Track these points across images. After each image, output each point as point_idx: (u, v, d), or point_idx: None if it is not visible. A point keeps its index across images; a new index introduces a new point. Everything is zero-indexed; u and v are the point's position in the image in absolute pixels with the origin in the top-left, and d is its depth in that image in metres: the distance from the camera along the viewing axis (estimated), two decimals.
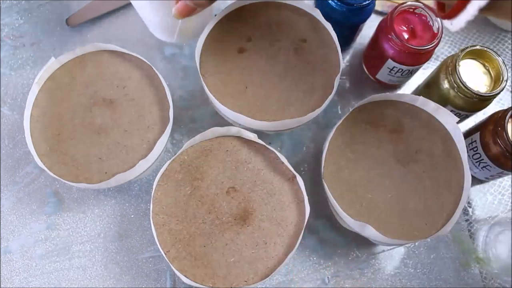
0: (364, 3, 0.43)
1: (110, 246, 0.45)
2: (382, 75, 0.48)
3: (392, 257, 0.45)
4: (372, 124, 0.41)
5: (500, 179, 0.49)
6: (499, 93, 0.41)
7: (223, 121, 0.46)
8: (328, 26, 0.43)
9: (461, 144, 0.40)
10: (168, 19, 0.44)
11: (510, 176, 0.47)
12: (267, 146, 0.41)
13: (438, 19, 0.43)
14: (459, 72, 0.41)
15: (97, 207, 0.46)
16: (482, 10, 0.21)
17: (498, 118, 0.40)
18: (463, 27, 0.22)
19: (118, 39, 0.52)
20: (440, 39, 0.42)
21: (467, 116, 0.45)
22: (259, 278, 0.37)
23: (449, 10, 0.21)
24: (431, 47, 0.42)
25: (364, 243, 0.45)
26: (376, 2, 0.48)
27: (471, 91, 0.40)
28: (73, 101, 0.43)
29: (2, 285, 0.43)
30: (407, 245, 0.46)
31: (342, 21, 0.45)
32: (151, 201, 0.39)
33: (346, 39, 0.50)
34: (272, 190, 0.40)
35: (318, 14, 0.44)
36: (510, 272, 0.44)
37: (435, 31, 0.43)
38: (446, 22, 0.22)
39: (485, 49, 0.42)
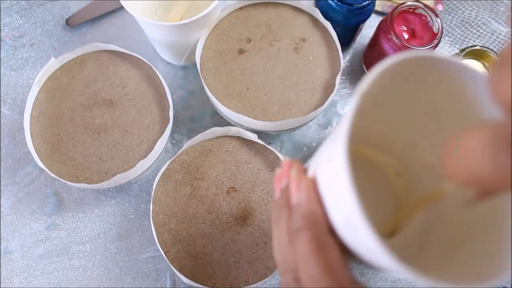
0: (364, 3, 0.43)
1: (110, 246, 0.45)
2: None
3: None
4: None
5: None
6: None
7: (223, 121, 0.46)
8: (328, 25, 0.43)
9: None
10: (177, 46, 0.45)
11: None
12: (267, 146, 0.41)
13: (438, 19, 0.43)
14: None
15: (97, 207, 0.46)
16: None
17: None
18: None
19: (118, 39, 0.52)
20: (440, 39, 0.42)
21: None
22: (259, 278, 0.37)
23: None
24: (431, 47, 0.42)
25: None
26: (376, 2, 0.48)
27: None
28: (73, 101, 0.43)
29: (2, 285, 0.43)
30: None
31: (342, 21, 0.45)
32: (151, 201, 0.39)
33: (346, 39, 0.50)
34: (272, 190, 0.40)
35: (317, 13, 0.44)
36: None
37: (435, 31, 0.43)
38: None
39: (485, 49, 0.42)
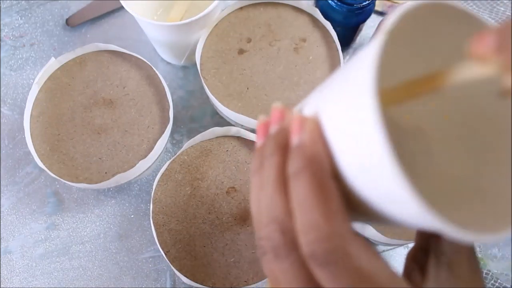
0: (364, 3, 0.43)
1: (110, 246, 0.45)
2: None
3: (392, 257, 0.45)
4: None
5: None
6: None
7: (223, 121, 0.46)
8: (328, 25, 0.43)
9: None
10: (177, 46, 0.45)
11: None
12: None
13: None
14: None
15: (97, 207, 0.46)
16: None
17: None
18: None
19: (118, 39, 0.52)
20: None
21: None
22: (259, 278, 0.37)
23: None
24: None
25: None
26: (376, 2, 0.48)
27: None
28: (73, 101, 0.43)
29: (2, 285, 0.43)
30: (407, 245, 0.46)
31: (342, 21, 0.45)
32: (151, 201, 0.39)
33: (346, 39, 0.50)
34: None
35: (317, 13, 0.44)
36: (510, 272, 0.44)
37: None
38: None
39: None
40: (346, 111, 0.17)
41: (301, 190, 0.18)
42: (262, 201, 0.20)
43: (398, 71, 0.22)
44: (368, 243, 0.18)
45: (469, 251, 0.22)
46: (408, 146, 0.25)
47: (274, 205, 0.19)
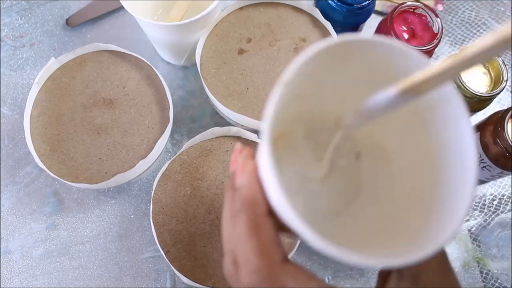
0: (364, 3, 0.43)
1: (110, 246, 0.45)
2: None
3: None
4: None
5: (500, 179, 0.49)
6: (499, 93, 0.41)
7: (223, 121, 0.46)
8: (328, 25, 0.43)
9: None
10: (177, 46, 0.45)
11: (510, 176, 0.47)
12: None
13: (438, 19, 0.43)
14: None
15: (97, 207, 0.46)
16: None
17: (498, 118, 0.40)
18: None
19: (118, 39, 0.52)
20: (440, 39, 0.42)
21: None
22: None
23: None
24: (431, 47, 0.42)
25: None
26: (376, 2, 0.48)
27: (471, 91, 0.40)
28: (73, 101, 0.43)
29: (2, 285, 0.43)
30: None
31: (342, 21, 0.45)
32: (151, 201, 0.39)
33: None
34: None
35: (317, 13, 0.44)
36: (510, 272, 0.44)
37: (435, 31, 0.43)
38: None
39: None
40: (261, 157, 0.21)
41: (239, 229, 0.21)
42: (225, 230, 0.22)
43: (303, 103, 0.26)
44: (301, 269, 0.21)
45: (438, 257, 0.22)
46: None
47: (229, 238, 0.22)
